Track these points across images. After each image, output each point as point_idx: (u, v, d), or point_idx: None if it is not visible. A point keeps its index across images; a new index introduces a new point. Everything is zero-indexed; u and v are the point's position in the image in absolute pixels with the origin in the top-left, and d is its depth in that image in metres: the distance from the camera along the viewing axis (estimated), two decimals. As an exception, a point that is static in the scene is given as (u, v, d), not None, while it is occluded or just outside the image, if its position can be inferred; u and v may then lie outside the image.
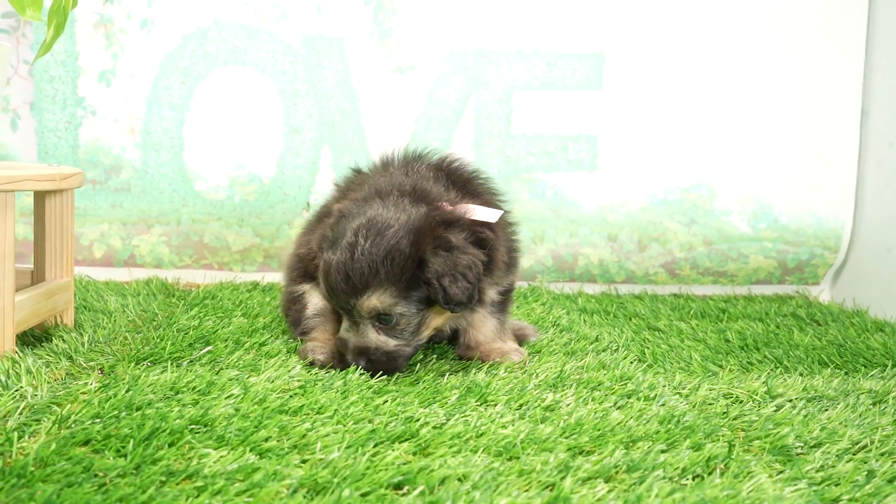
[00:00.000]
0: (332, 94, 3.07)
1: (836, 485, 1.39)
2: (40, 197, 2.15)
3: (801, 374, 2.08)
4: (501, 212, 1.97)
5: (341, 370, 1.89)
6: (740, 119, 3.20)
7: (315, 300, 2.10)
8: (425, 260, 1.79)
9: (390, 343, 1.86)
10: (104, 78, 2.99)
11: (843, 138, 3.20)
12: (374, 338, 1.86)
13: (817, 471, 1.45)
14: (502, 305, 2.09)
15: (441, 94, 3.10)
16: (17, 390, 1.66)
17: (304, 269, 2.16)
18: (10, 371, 1.75)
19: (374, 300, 1.80)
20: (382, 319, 1.84)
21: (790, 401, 1.84)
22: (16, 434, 1.43)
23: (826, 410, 1.78)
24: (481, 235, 1.89)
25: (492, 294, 2.00)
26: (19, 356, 1.85)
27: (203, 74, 3.03)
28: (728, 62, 3.17)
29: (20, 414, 1.55)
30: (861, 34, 3.16)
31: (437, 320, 1.92)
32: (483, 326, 2.06)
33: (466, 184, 2.03)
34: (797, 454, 1.54)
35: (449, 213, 1.88)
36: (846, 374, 2.12)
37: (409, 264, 1.79)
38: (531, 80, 3.13)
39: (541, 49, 3.12)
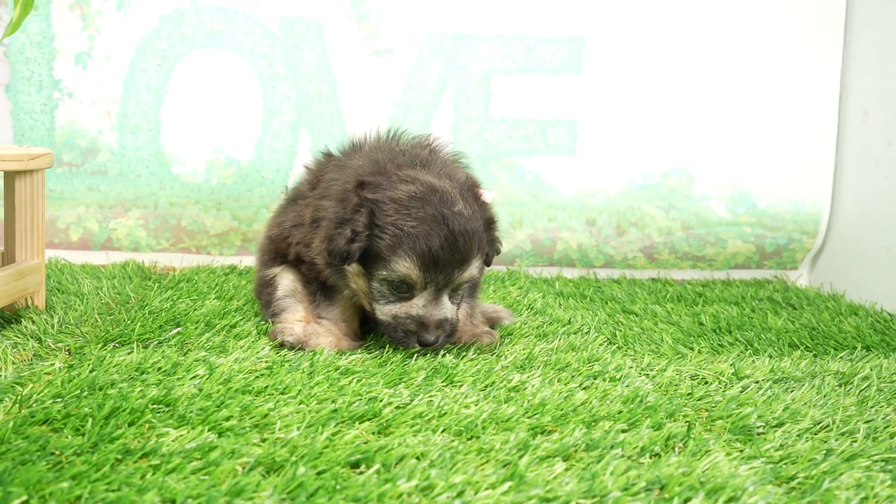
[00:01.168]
0: (311, 77, 3.06)
1: (793, 463, 1.40)
2: (10, 178, 2.14)
3: (770, 357, 2.09)
4: (493, 193, 2.00)
5: (421, 347, 1.85)
6: (719, 105, 3.19)
7: (286, 282, 2.10)
8: (491, 220, 1.90)
9: (456, 312, 1.91)
10: (80, 60, 2.97)
11: (821, 123, 3.20)
12: (451, 308, 1.87)
13: (776, 450, 1.46)
14: (472, 291, 2.09)
15: (420, 77, 3.09)
16: (-20, 370, 1.66)
17: (275, 250, 2.16)
18: (-25, 351, 1.75)
19: (474, 269, 1.84)
20: (458, 288, 1.88)
21: (756, 382, 1.85)
22: (-25, 413, 1.43)
23: (791, 391, 1.79)
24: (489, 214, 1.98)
25: None
26: (-14, 337, 1.85)
27: (180, 57, 3.01)
28: (708, 48, 3.17)
29: (-18, 393, 1.55)
30: (840, 23, 3.16)
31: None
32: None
33: (449, 166, 2.04)
34: (758, 434, 1.55)
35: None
36: (815, 356, 2.13)
37: (485, 227, 1.87)
38: (510, 63, 3.12)
39: (520, 33, 3.11)
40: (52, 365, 1.73)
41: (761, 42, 3.18)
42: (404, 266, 1.79)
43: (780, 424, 1.59)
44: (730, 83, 3.18)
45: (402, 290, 1.84)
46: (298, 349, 1.94)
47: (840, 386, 1.86)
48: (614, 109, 3.16)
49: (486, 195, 1.96)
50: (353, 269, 1.88)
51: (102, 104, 2.99)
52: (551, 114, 3.15)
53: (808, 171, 3.22)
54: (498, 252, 1.97)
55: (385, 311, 1.87)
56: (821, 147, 3.21)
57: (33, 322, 2.04)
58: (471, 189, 1.89)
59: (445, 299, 1.85)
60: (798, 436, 1.53)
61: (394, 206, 1.80)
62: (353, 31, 3.06)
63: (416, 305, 1.84)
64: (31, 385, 1.60)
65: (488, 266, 1.95)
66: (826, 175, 3.21)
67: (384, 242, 1.80)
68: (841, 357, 2.11)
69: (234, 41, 3.02)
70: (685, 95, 3.18)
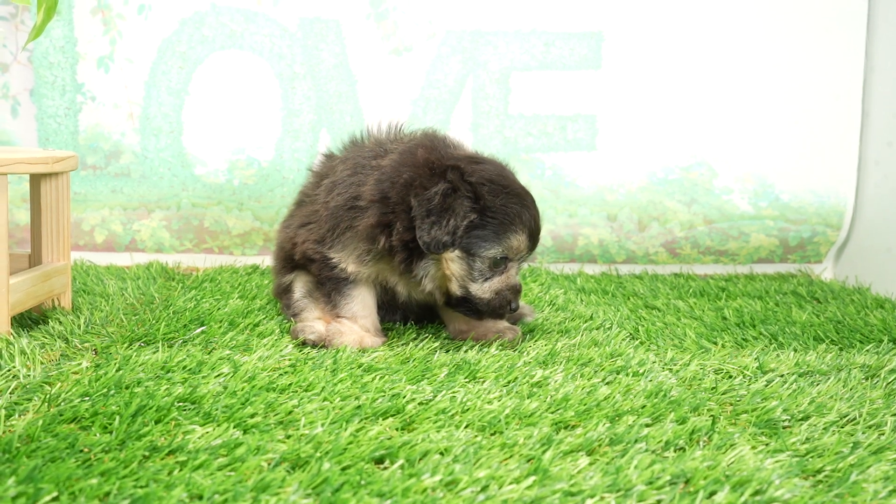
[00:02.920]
0: (330, 77, 3.07)
1: (820, 456, 1.39)
2: (36, 181, 2.17)
3: (794, 350, 2.07)
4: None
5: (509, 313, 1.96)
6: (740, 97, 3.17)
7: (300, 285, 2.13)
8: None
9: None
10: (103, 64, 3.00)
11: (845, 114, 3.17)
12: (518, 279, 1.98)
13: (802, 443, 1.45)
14: None
15: (438, 75, 3.10)
16: (9, 370, 1.68)
17: (285, 257, 2.20)
18: (4, 352, 1.77)
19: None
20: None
21: (781, 376, 1.84)
22: (4, 412, 1.45)
23: (817, 385, 1.78)
24: None
25: None
26: (14, 337, 1.87)
27: (201, 59, 3.03)
28: (728, 39, 3.15)
29: (11, 393, 1.57)
30: (863, 11, 3.12)
31: None
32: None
33: None
34: (783, 427, 1.53)
35: None
36: (841, 349, 2.11)
37: None
38: (529, 60, 3.12)
39: (538, 29, 3.11)
40: (80, 364, 1.75)
41: (783, 33, 3.15)
42: (518, 240, 1.90)
43: (806, 418, 1.58)
44: (751, 75, 3.16)
45: (500, 265, 1.91)
46: (321, 347, 1.95)
47: (867, 379, 1.84)
48: (634, 104, 3.15)
49: None
50: (451, 254, 1.87)
51: (125, 107, 3.02)
52: (571, 109, 3.14)
53: (832, 162, 3.19)
54: None
55: (486, 287, 1.91)
56: (845, 138, 3.18)
57: (60, 322, 2.06)
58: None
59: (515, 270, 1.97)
60: (824, 429, 1.52)
61: (490, 186, 1.87)
62: (372, 29, 3.07)
63: (512, 276, 1.94)
64: (59, 384, 1.62)
65: None
66: (850, 166, 3.18)
67: (496, 221, 1.87)
68: (867, 350, 2.09)
69: (254, 42, 3.04)
70: (706, 88, 3.16)
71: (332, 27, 3.06)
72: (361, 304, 2.03)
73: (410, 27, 3.07)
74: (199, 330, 2.03)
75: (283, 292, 2.19)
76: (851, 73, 3.15)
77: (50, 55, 2.98)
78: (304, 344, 1.97)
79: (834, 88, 3.16)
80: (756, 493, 1.22)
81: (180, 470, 1.26)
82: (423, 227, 1.82)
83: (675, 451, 1.39)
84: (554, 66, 3.13)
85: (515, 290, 1.94)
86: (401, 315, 2.19)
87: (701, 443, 1.43)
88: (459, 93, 3.11)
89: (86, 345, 1.92)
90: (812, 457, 1.39)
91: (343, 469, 1.28)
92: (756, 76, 3.16)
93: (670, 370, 1.86)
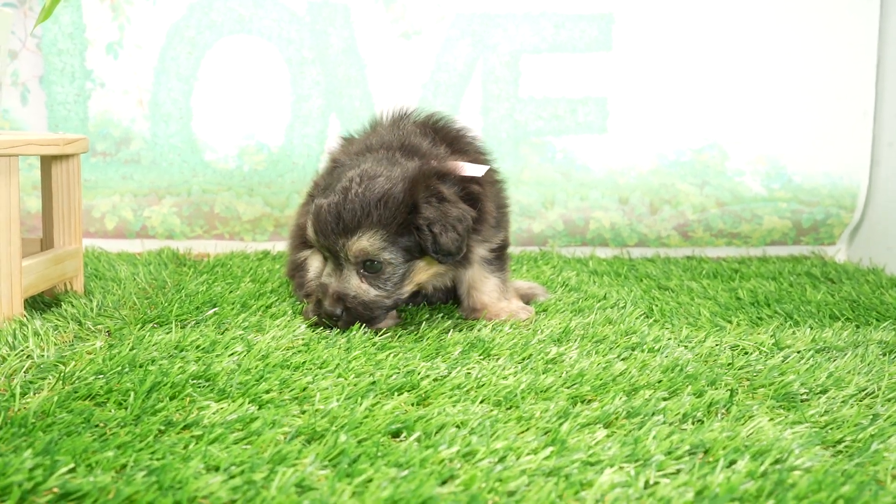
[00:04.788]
0: (339, 62, 3.06)
1: (839, 427, 1.38)
2: (47, 164, 2.16)
3: (810, 328, 2.06)
4: (488, 167, 1.96)
5: (316, 317, 1.89)
6: (752, 78, 3.15)
7: (316, 264, 2.11)
8: (418, 206, 1.79)
9: (371, 293, 1.85)
10: (112, 50, 3.00)
11: (858, 95, 3.14)
12: (356, 285, 1.85)
13: (821, 415, 1.43)
14: (500, 263, 2.08)
15: (448, 58, 3.08)
16: (22, 350, 1.68)
17: (303, 237, 2.17)
18: (18, 333, 1.77)
19: (365, 241, 1.80)
20: (368, 266, 1.84)
21: (798, 352, 1.82)
22: (20, 389, 1.44)
23: (834, 360, 1.76)
24: (470, 190, 1.89)
25: (481, 252, 2.00)
26: (27, 319, 1.87)
27: (209, 44, 3.03)
28: (740, 20, 3.12)
29: (26, 372, 1.57)
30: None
31: (422, 275, 1.91)
32: (484, 286, 2.05)
33: (454, 141, 2.03)
34: (801, 400, 1.52)
35: (441, 166, 1.88)
36: (857, 327, 2.09)
37: (401, 209, 1.79)
38: (539, 42, 3.10)
39: (548, 11, 3.09)
40: (93, 345, 1.75)
41: (795, 13, 3.12)
42: (310, 235, 1.89)
43: (824, 391, 1.56)
44: (763, 56, 3.13)
45: None
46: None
47: (884, 354, 1.83)
48: (645, 86, 3.13)
49: (476, 169, 1.94)
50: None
51: (134, 93, 3.02)
52: (581, 92, 3.12)
53: (845, 143, 3.16)
54: (446, 244, 1.85)
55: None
56: (858, 119, 3.15)
57: (72, 305, 2.06)
58: (425, 174, 1.89)
59: (352, 275, 1.88)
60: (843, 402, 1.50)
61: (324, 183, 1.92)
62: (381, 13, 3.05)
63: (325, 273, 1.93)
64: (73, 363, 1.62)
65: (443, 254, 1.86)
66: (864, 147, 3.15)
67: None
68: (884, 327, 2.07)
69: (263, 27, 3.03)
70: (717, 70, 3.13)
71: (341, 11, 3.04)
72: None
73: (419, 10, 3.06)
74: (211, 311, 2.03)
75: (296, 269, 2.17)
76: (865, 55, 3.12)
77: (59, 42, 2.97)
78: (316, 324, 1.97)
79: (847, 70, 3.14)
80: (776, 461, 1.21)
81: (196, 443, 1.25)
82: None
83: (693, 423, 1.38)
84: (564, 48, 3.11)
85: (323, 289, 1.90)
86: (423, 298, 2.20)
87: (719, 415, 1.41)
88: (469, 76, 3.09)
89: (98, 327, 1.92)
90: (831, 428, 1.38)
91: (359, 442, 1.27)
92: (768, 57, 3.14)
93: (685, 346, 1.85)
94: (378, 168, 1.84)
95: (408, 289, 1.89)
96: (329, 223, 1.81)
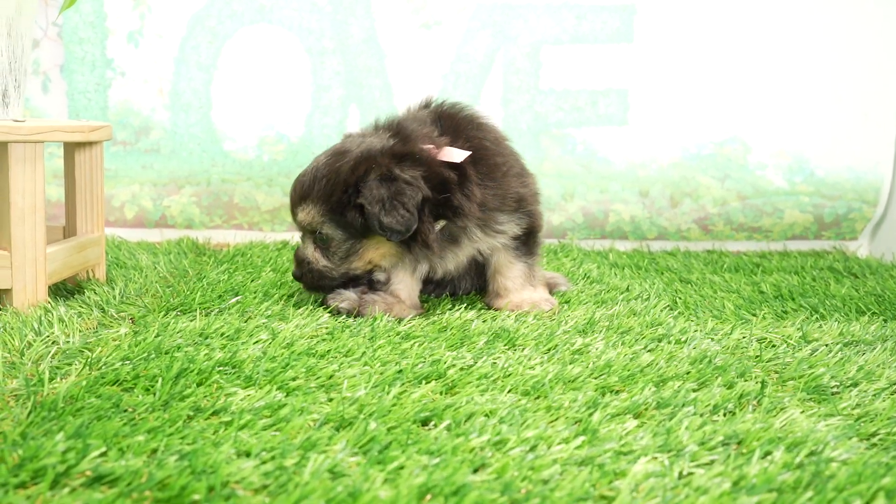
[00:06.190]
0: (359, 52, 3.05)
1: (872, 420, 1.36)
2: (70, 151, 2.16)
3: (837, 322, 2.04)
4: (468, 153, 1.89)
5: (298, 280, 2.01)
6: (775, 71, 3.12)
7: None
8: (359, 185, 1.83)
9: (320, 262, 1.95)
10: (132, 39, 3.00)
11: (881, 88, 3.11)
12: (311, 252, 1.97)
13: (853, 408, 1.42)
14: (527, 248, 2.05)
15: (468, 49, 3.07)
16: (48, 336, 1.68)
17: None
18: (43, 319, 1.77)
19: (303, 214, 1.92)
20: (318, 238, 1.94)
21: (826, 345, 1.80)
22: (47, 374, 1.44)
23: (863, 354, 1.74)
24: (442, 175, 1.86)
25: (478, 234, 1.96)
26: (52, 306, 1.87)
27: (230, 33, 3.02)
28: (763, 13, 3.09)
29: (52, 357, 1.57)
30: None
31: (373, 253, 1.93)
32: (509, 271, 2.04)
33: (457, 127, 1.98)
34: (832, 393, 1.51)
35: (403, 147, 1.87)
36: (885, 321, 2.07)
37: (339, 186, 1.86)
38: (560, 33, 3.08)
39: (570, 2, 3.07)
40: (118, 331, 1.75)
41: (820, 5, 3.09)
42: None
43: (855, 384, 1.54)
44: (786, 49, 3.11)
45: None
46: (355, 316, 1.94)
47: (913, 348, 1.81)
48: (667, 78, 3.11)
49: (455, 154, 1.90)
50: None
51: (154, 82, 3.02)
52: (602, 84, 3.10)
53: (869, 137, 3.13)
54: (391, 224, 1.83)
55: None
56: (881, 112, 3.12)
57: (95, 293, 2.06)
58: (381, 153, 1.90)
59: (309, 244, 1.99)
60: (875, 395, 1.49)
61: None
62: (402, 3, 3.04)
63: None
64: (100, 349, 1.62)
65: (389, 232, 1.84)
66: (887, 141, 3.12)
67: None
68: (911, 321, 2.05)
69: (283, 16, 3.02)
70: (740, 62, 3.11)
71: (362, 1, 3.03)
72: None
73: (440, 1, 3.04)
74: (234, 300, 2.02)
75: None
76: (889, 49, 3.09)
77: (80, 30, 2.97)
78: (337, 313, 1.96)
79: (872, 63, 3.11)
80: (811, 453, 1.20)
81: (226, 429, 1.25)
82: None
83: (724, 415, 1.36)
84: (585, 39, 3.09)
85: (295, 254, 2.03)
86: (450, 288, 2.21)
87: (751, 406, 1.40)
88: (489, 67, 3.08)
89: (122, 314, 1.92)
90: (864, 421, 1.36)
91: (389, 429, 1.26)
92: (791, 50, 3.11)
93: (712, 338, 1.84)
94: (350, 145, 1.91)
95: (358, 265, 1.95)
96: (291, 194, 1.97)
